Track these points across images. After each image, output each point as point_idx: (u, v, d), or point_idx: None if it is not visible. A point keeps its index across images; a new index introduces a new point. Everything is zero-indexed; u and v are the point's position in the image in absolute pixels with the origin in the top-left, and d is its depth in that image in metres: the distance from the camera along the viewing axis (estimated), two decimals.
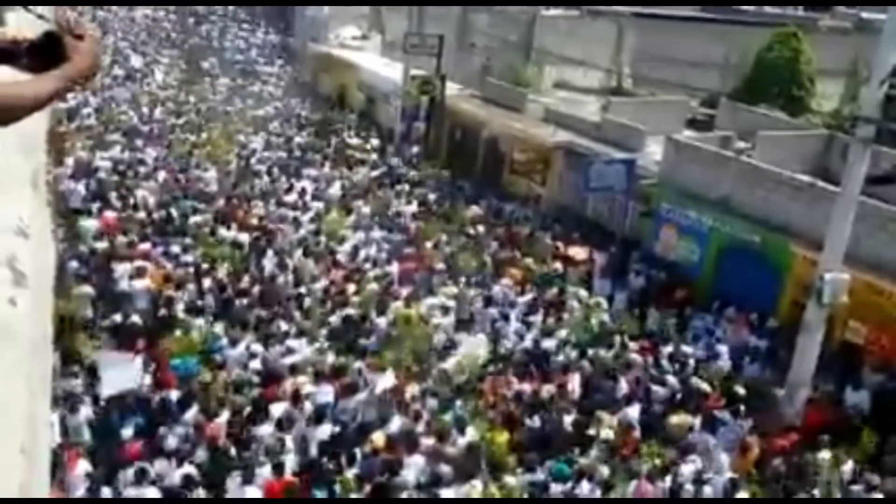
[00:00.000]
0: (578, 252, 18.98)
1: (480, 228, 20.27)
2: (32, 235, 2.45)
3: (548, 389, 12.72)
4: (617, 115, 23.34)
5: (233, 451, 10.35)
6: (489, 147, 25.81)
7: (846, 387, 13.99)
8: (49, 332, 2.97)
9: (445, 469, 10.02)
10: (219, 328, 13.40)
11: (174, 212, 18.64)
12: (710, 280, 17.93)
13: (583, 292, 16.76)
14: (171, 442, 10.39)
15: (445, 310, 15.20)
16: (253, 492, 9.34)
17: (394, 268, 16.97)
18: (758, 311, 16.07)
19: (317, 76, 35.95)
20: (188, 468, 9.70)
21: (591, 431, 11.62)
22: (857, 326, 15.10)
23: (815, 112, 27.44)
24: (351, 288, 15.59)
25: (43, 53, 1.72)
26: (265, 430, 10.59)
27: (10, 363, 1.92)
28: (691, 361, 14.20)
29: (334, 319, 14.35)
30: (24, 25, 1.86)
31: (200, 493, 9.42)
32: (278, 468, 9.70)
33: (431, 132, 27.78)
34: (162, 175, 21.47)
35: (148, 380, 11.57)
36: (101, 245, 16.22)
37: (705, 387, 13.28)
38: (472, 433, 10.85)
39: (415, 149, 27.36)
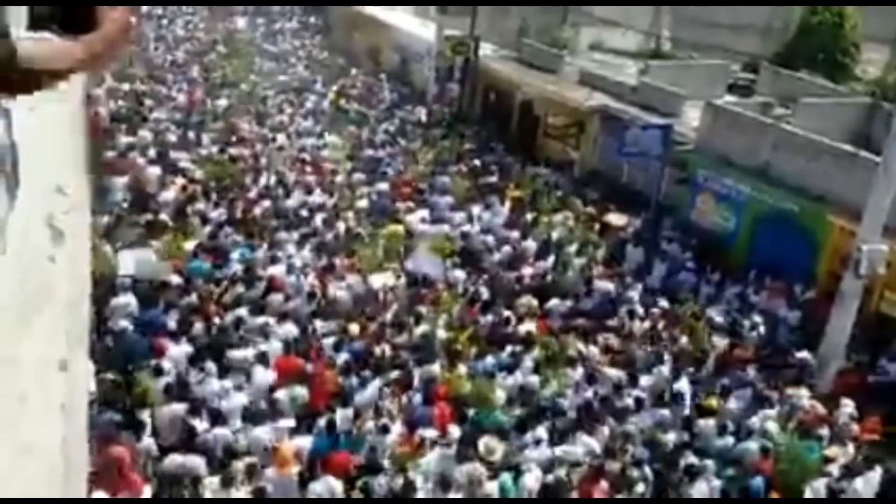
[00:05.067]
0: (615, 218, 18.86)
1: (476, 161, 21.89)
2: (70, 192, 2.47)
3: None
4: (655, 79, 22.93)
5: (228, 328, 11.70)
6: (523, 109, 25.55)
7: (880, 358, 13.84)
8: (87, 288, 3.01)
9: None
10: (237, 237, 15.15)
11: (190, 133, 20.94)
12: (746, 249, 17.72)
13: (560, 218, 18.27)
14: (171, 323, 11.68)
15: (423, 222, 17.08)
16: (262, 372, 10.61)
17: (384, 186, 19.05)
18: (793, 282, 15.88)
19: (350, 35, 35.79)
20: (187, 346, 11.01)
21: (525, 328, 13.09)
22: (894, 298, 14.87)
23: (859, 79, 26.75)
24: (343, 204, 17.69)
25: (76, 20, 1.73)
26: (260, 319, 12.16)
27: (49, 321, 1.95)
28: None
29: (330, 233, 16.02)
30: None
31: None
32: (287, 347, 11.24)
33: (465, 93, 27.56)
34: (181, 98, 24.44)
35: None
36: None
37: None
38: (425, 327, 12.44)
39: (446, 109, 27.33)
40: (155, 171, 17.58)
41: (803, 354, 13.52)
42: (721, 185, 18.33)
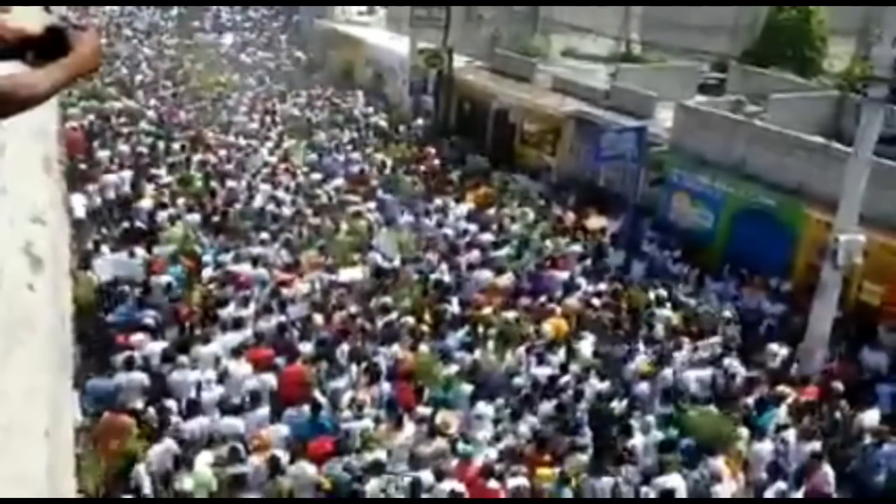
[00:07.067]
0: (594, 222, 18.96)
1: (437, 161, 22.89)
2: (47, 221, 2.48)
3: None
4: (626, 83, 23.13)
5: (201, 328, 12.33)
6: (499, 119, 25.66)
7: (863, 348, 13.97)
8: (68, 314, 3.01)
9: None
10: (205, 238, 16.02)
11: (160, 143, 21.71)
12: (724, 246, 17.85)
13: (530, 213, 19.05)
14: (149, 320, 12.18)
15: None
16: (241, 364, 11.08)
17: (340, 182, 20.31)
18: (772, 276, 16.01)
19: (325, 53, 35.86)
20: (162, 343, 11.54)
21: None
22: (873, 287, 15.03)
23: (827, 73, 27.09)
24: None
25: (47, 46, 1.75)
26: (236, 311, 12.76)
27: (30, 350, 1.95)
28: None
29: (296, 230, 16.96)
30: (24, 18, 1.88)
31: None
32: (259, 339, 11.85)
33: (440, 105, 27.62)
34: (151, 113, 25.18)
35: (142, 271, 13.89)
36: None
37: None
38: (393, 315, 13.20)
39: (419, 121, 27.39)
40: (112, 178, 18.46)
41: (775, 347, 13.66)
42: (696, 183, 18.48)
